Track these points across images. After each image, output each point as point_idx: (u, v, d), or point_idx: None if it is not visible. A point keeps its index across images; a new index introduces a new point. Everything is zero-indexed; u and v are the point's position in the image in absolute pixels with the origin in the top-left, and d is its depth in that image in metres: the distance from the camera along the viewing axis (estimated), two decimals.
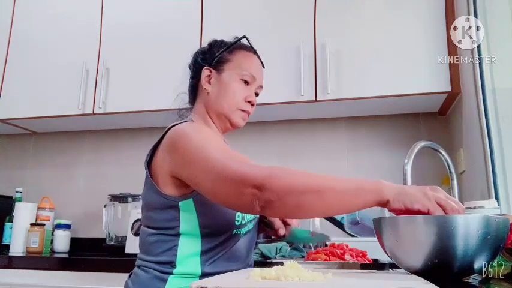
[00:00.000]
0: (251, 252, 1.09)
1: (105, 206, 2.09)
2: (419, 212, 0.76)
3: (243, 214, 1.01)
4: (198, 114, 1.14)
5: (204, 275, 0.97)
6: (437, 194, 0.77)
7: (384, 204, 0.78)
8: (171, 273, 0.97)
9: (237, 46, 1.15)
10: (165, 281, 0.97)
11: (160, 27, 2.09)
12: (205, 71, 1.13)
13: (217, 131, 1.13)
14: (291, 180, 0.81)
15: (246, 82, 1.11)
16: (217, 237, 0.99)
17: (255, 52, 1.17)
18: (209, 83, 1.12)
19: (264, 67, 1.20)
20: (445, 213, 0.75)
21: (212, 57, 1.13)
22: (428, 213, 0.76)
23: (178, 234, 0.98)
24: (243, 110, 1.10)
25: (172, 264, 0.98)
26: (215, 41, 1.18)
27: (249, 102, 1.11)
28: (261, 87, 1.16)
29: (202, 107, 1.14)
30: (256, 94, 1.15)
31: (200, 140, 0.94)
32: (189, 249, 0.99)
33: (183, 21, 2.06)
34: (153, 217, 1.03)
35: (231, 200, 0.87)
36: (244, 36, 1.16)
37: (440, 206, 0.76)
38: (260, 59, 1.18)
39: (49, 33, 2.23)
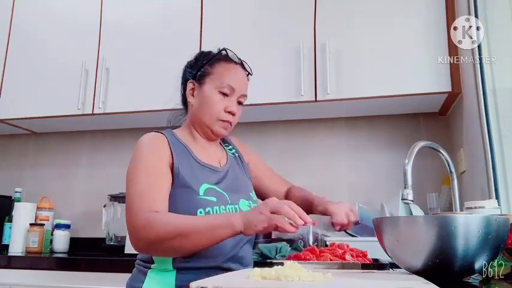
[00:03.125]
0: (236, 247, 1.09)
1: (104, 206, 2.09)
2: (265, 230, 0.92)
3: (208, 209, 1.06)
4: (186, 124, 1.23)
5: (177, 269, 1.04)
6: (270, 204, 0.91)
7: (240, 233, 0.93)
8: (150, 268, 1.07)
9: (218, 58, 1.20)
10: (145, 274, 1.07)
11: (160, 27, 2.09)
12: (189, 84, 1.20)
13: (202, 139, 1.20)
14: (162, 230, 0.95)
15: (225, 94, 1.16)
16: None
17: (237, 62, 1.21)
18: (192, 95, 1.19)
19: (251, 74, 1.24)
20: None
21: (196, 70, 1.20)
22: (271, 227, 0.90)
23: None
24: (223, 121, 1.16)
25: (151, 259, 1.07)
26: (201, 54, 1.24)
27: (229, 112, 1.16)
28: (244, 96, 1.20)
29: (189, 118, 1.22)
30: (240, 103, 1.20)
31: (139, 162, 1.06)
32: None
33: (183, 21, 2.06)
34: None
35: (128, 235, 1.02)
36: (224, 49, 1.21)
37: (277, 212, 0.89)
38: (245, 68, 1.22)
39: (49, 33, 2.23)
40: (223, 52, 1.21)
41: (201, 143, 1.20)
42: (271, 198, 0.94)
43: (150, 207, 0.99)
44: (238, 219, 0.93)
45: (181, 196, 1.06)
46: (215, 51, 1.22)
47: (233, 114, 1.17)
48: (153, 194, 1.02)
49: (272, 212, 0.90)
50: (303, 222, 0.90)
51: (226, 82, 1.15)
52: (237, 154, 1.29)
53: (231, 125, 1.18)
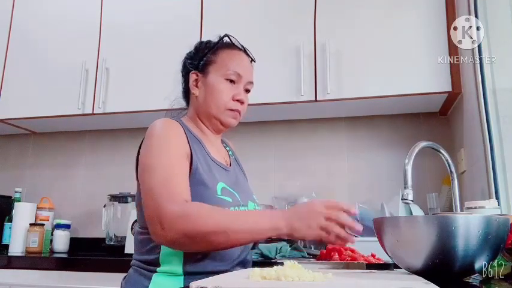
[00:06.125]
0: (245, 251, 1.08)
1: (104, 206, 2.09)
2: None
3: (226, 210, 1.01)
4: (190, 117, 1.16)
5: (186, 274, 0.97)
6: (319, 222, 0.87)
7: (284, 235, 0.90)
8: (155, 271, 0.99)
9: (221, 46, 1.14)
10: (150, 279, 0.98)
11: (160, 27, 2.09)
12: (192, 76, 1.14)
13: (210, 133, 1.14)
14: (204, 223, 0.88)
15: (232, 81, 1.10)
16: None
17: (240, 49, 1.16)
18: (196, 86, 1.13)
19: (254, 61, 1.19)
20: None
21: (198, 60, 1.14)
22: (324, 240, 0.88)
23: None
24: (232, 110, 1.10)
25: (156, 262, 0.99)
26: (200, 43, 1.18)
27: (237, 100, 1.10)
28: (250, 83, 1.15)
29: (193, 111, 1.16)
30: (247, 90, 1.15)
31: (157, 147, 0.98)
32: None
33: (182, 21, 2.06)
34: (140, 215, 1.04)
35: (150, 226, 0.92)
36: (226, 35, 1.16)
37: (326, 230, 0.87)
38: (249, 54, 1.18)
39: (48, 33, 2.23)
40: (226, 39, 1.15)
41: (210, 138, 1.13)
42: (318, 203, 0.90)
43: (181, 196, 0.92)
44: (283, 222, 0.89)
45: (199, 194, 0.98)
46: (215, 39, 1.16)
47: (242, 103, 1.11)
48: (179, 182, 0.94)
49: (326, 219, 0.87)
50: (356, 237, 0.88)
51: (232, 69, 1.10)
52: (233, 157, 1.25)
53: (240, 114, 1.12)
